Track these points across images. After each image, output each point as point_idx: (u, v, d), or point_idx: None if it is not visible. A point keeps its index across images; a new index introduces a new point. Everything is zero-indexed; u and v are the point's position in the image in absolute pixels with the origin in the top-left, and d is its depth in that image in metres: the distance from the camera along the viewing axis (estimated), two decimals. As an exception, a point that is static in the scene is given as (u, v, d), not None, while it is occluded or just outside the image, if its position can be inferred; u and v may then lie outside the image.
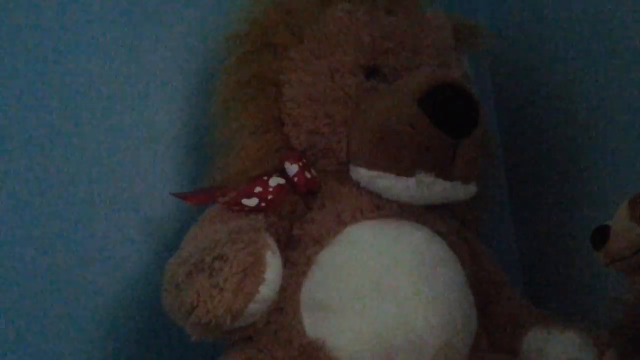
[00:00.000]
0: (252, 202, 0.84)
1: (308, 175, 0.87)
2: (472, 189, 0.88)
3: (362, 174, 0.86)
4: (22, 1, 0.97)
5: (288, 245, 0.85)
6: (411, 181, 0.84)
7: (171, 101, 1.03)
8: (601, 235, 0.72)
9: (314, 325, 0.80)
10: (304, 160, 0.88)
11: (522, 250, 1.17)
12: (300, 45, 0.92)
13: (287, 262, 0.82)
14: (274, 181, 0.87)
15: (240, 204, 0.84)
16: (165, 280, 0.79)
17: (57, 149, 0.96)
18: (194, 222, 0.86)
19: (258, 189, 0.85)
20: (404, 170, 0.84)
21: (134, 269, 0.98)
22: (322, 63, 0.90)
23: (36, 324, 0.93)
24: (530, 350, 0.85)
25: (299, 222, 0.87)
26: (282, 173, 0.88)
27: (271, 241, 0.77)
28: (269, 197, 0.85)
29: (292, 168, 0.87)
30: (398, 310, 0.80)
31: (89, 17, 1.00)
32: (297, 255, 0.84)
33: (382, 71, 0.90)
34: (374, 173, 0.85)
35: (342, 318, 0.80)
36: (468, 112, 0.84)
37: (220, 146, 0.92)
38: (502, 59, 1.14)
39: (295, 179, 0.86)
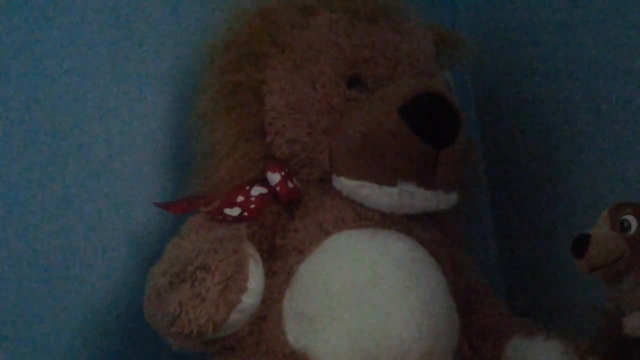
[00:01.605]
0: (234, 211, 0.84)
1: (290, 185, 0.87)
2: (453, 198, 0.88)
3: (344, 183, 0.86)
4: (13, 2, 0.97)
5: (270, 255, 0.85)
6: (393, 190, 0.84)
7: (154, 110, 1.03)
8: (582, 244, 0.73)
9: (296, 335, 0.80)
10: (286, 170, 0.88)
11: (504, 258, 1.17)
12: (282, 54, 0.92)
13: (269, 272, 0.82)
14: (256, 191, 0.87)
15: (223, 213, 0.84)
16: (148, 289, 0.79)
17: (38, 156, 0.96)
18: (176, 231, 0.86)
19: (240, 199, 0.85)
20: (386, 179, 0.84)
21: (116, 278, 0.98)
22: (304, 72, 0.90)
23: (16, 331, 0.92)
24: (512, 358, 0.85)
25: (282, 231, 0.87)
26: (265, 182, 0.88)
27: (253, 251, 0.77)
28: (251, 206, 0.85)
29: (274, 177, 0.87)
30: (381, 320, 0.80)
31: (74, 20, 1.00)
32: (280, 265, 0.84)
33: (364, 80, 0.90)
34: (356, 182, 0.85)
35: (325, 327, 0.80)
36: (449, 122, 0.84)
37: (203, 155, 0.91)
38: (484, 68, 1.15)
39: (278, 188, 0.86)
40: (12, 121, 0.95)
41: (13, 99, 0.95)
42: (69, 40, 0.99)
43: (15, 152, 0.94)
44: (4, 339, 0.91)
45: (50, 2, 0.98)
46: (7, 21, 0.96)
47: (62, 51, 0.99)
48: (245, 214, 0.84)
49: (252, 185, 0.87)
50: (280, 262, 0.84)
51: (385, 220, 0.87)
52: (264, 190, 0.87)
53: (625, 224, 0.72)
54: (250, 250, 0.77)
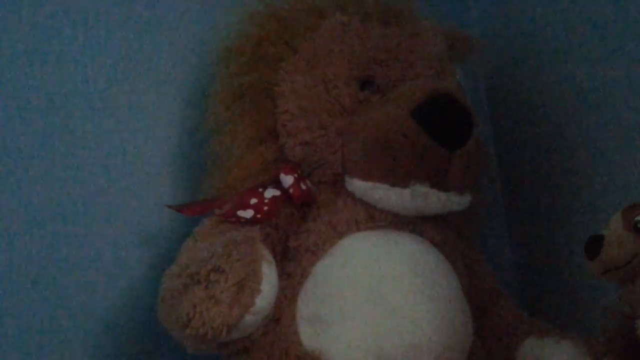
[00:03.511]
0: (247, 213, 0.84)
1: (303, 187, 0.87)
2: (466, 199, 0.88)
3: (357, 185, 0.86)
4: (19, 3, 0.97)
5: (284, 257, 0.85)
6: (406, 192, 0.84)
7: (167, 112, 1.03)
8: (595, 245, 0.73)
9: (310, 336, 0.80)
10: (299, 172, 0.88)
11: (517, 259, 1.17)
12: (294, 57, 0.92)
13: (283, 274, 0.82)
14: (270, 193, 0.87)
15: (236, 215, 0.84)
16: (162, 292, 0.79)
17: (51, 159, 0.96)
18: (190, 233, 0.86)
19: (254, 201, 0.85)
20: (399, 181, 0.84)
21: (130, 281, 0.98)
22: (316, 74, 0.90)
23: (28, 335, 0.92)
24: (526, 359, 0.85)
25: (295, 233, 0.87)
26: (278, 184, 0.88)
27: (267, 253, 0.78)
28: (265, 208, 0.85)
29: (288, 179, 0.87)
30: (394, 321, 0.80)
31: (84, 23, 1.00)
32: (293, 267, 0.84)
33: (376, 82, 0.90)
34: (369, 184, 0.85)
35: (339, 329, 0.80)
36: (462, 123, 0.84)
37: (216, 158, 0.92)
38: (496, 69, 1.15)
39: (291, 190, 0.87)
40: (26, 122, 0.95)
41: (28, 101, 0.95)
42: (83, 43, 1.00)
43: (29, 154, 0.95)
44: (15, 340, 0.91)
45: (63, 4, 0.99)
46: (21, 22, 0.96)
47: (76, 54, 0.99)
48: (259, 216, 0.84)
49: (265, 188, 0.87)
50: (293, 264, 0.84)
51: (398, 222, 0.87)
52: (277, 192, 0.87)
53: (639, 225, 0.71)
54: (264, 252, 0.77)
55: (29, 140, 0.95)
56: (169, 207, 0.92)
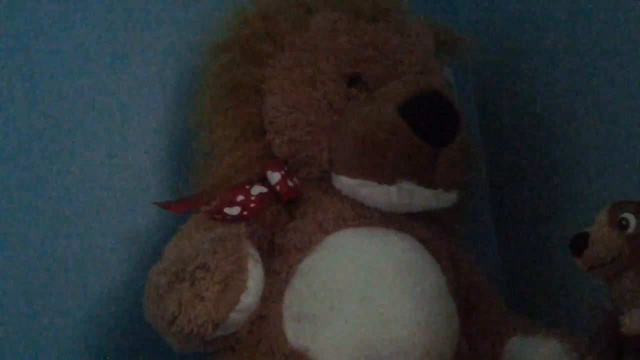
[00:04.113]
0: (234, 210, 0.84)
1: (290, 184, 0.87)
2: (453, 196, 0.88)
3: (343, 182, 0.86)
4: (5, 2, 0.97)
5: (270, 254, 0.85)
6: (392, 189, 0.84)
7: (154, 109, 1.03)
8: (580, 242, 0.73)
9: (296, 334, 0.80)
10: (286, 169, 0.88)
11: (504, 257, 1.17)
12: (282, 53, 0.92)
13: (269, 271, 0.82)
14: (256, 190, 0.87)
15: (223, 212, 0.84)
16: (147, 289, 0.79)
17: (38, 157, 0.96)
18: (176, 230, 0.86)
19: (240, 198, 0.85)
20: (386, 178, 0.84)
21: (116, 278, 0.98)
22: (304, 71, 0.90)
23: (16, 331, 0.92)
24: (512, 357, 0.85)
25: (282, 230, 0.87)
26: (264, 181, 0.88)
27: (253, 250, 0.77)
28: (251, 205, 0.85)
29: (274, 176, 0.87)
30: (380, 318, 0.80)
31: (73, 21, 1.00)
32: (280, 264, 0.84)
33: (364, 79, 0.90)
34: (356, 181, 0.85)
35: (325, 327, 0.80)
36: (449, 120, 0.84)
37: (203, 154, 0.92)
38: (484, 66, 1.15)
39: (277, 187, 0.87)
40: (12, 121, 0.95)
41: (13, 99, 0.95)
42: (69, 40, 1.00)
43: (14, 152, 0.95)
44: (4, 339, 0.91)
45: (50, 3, 0.99)
46: (8, 21, 0.96)
47: (61, 51, 0.99)
48: (245, 213, 0.84)
49: (252, 184, 0.87)
50: (280, 261, 0.84)
51: (385, 219, 0.87)
52: (264, 189, 0.87)
53: (624, 222, 0.71)
54: (250, 249, 0.77)
55: (14, 140, 0.95)
56: (156, 204, 0.92)
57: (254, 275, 0.75)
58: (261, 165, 0.89)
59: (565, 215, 1.00)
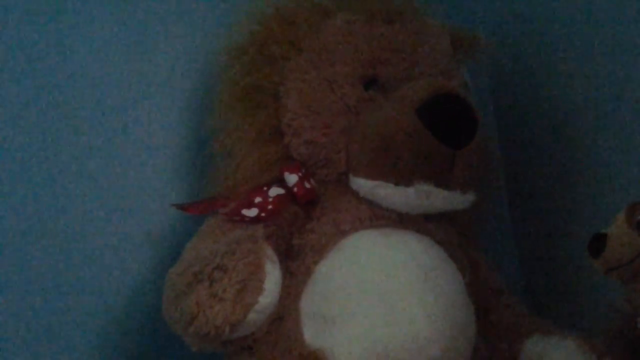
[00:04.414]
0: (252, 212, 0.85)
1: (307, 186, 0.87)
2: (470, 198, 0.88)
3: (361, 183, 0.86)
4: (21, 1, 0.97)
5: (288, 255, 0.85)
6: (410, 191, 0.84)
7: (171, 111, 1.04)
8: (598, 243, 0.72)
9: (314, 334, 0.80)
10: (303, 171, 0.89)
11: (522, 258, 1.17)
12: (299, 56, 0.92)
13: (286, 272, 0.82)
14: (274, 191, 0.87)
15: (240, 214, 0.84)
16: (166, 290, 0.79)
17: (55, 158, 0.96)
18: (194, 232, 0.86)
19: (258, 199, 0.86)
20: (403, 179, 0.84)
21: (135, 279, 0.98)
22: (321, 74, 0.90)
23: (34, 334, 0.93)
24: (529, 357, 0.85)
25: (299, 232, 0.87)
26: (282, 183, 0.88)
27: (270, 251, 0.78)
28: (269, 207, 0.85)
29: (292, 178, 0.87)
30: (398, 320, 0.80)
31: (88, 22, 1.01)
32: (297, 265, 0.84)
33: (381, 81, 0.90)
34: (373, 183, 0.85)
35: (342, 327, 0.80)
36: (466, 122, 0.84)
37: (221, 157, 0.92)
38: (502, 67, 1.15)
39: (295, 189, 0.87)
40: (30, 123, 0.96)
41: (33, 100, 0.96)
42: (88, 42, 1.00)
43: (33, 154, 0.95)
44: (22, 341, 0.92)
45: (65, 5, 0.99)
46: (22, 23, 0.97)
47: (80, 53, 0.99)
48: (263, 214, 0.85)
49: (269, 186, 0.88)
50: (297, 263, 0.84)
51: (402, 221, 0.87)
52: (281, 191, 0.87)
53: (642, 223, 0.71)
54: (268, 250, 0.77)
55: (32, 142, 0.96)
56: (174, 205, 0.93)
57: (272, 277, 0.75)
58: (279, 167, 0.89)
59: (583, 216, 1.00)
